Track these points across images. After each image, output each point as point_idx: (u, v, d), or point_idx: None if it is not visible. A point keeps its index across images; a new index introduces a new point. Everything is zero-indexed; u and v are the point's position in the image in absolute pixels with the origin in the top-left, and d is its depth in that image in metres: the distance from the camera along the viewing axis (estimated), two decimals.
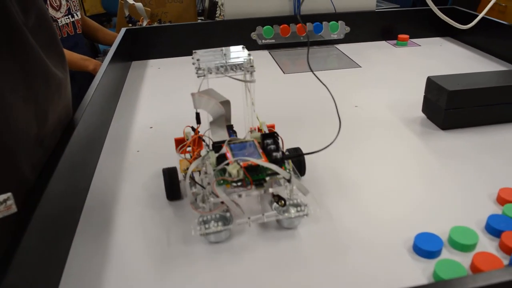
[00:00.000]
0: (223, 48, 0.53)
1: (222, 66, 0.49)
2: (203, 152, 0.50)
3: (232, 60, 0.50)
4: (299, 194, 0.47)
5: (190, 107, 0.48)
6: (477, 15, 0.98)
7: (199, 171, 0.48)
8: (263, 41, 1.12)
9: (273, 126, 0.58)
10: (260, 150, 0.47)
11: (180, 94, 0.85)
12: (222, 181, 0.44)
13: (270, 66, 1.01)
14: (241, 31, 1.11)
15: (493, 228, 0.45)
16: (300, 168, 0.55)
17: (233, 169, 0.44)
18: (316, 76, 0.72)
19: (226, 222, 0.46)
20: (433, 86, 0.67)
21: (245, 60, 0.50)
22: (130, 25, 1.45)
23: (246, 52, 0.52)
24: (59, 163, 0.48)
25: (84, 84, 0.62)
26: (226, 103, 0.49)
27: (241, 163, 0.44)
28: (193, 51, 0.53)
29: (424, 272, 0.41)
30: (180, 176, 0.53)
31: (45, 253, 0.41)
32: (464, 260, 0.42)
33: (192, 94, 0.48)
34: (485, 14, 0.97)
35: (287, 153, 0.54)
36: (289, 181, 0.45)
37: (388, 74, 0.93)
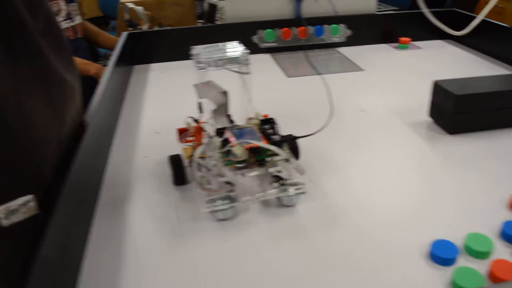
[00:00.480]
0: (220, 43, 0.56)
1: (220, 60, 0.53)
2: (204, 140, 0.53)
3: (229, 54, 0.54)
4: (296, 175, 0.52)
5: (196, 111, 0.52)
6: (475, 18, 0.98)
7: (203, 157, 0.52)
8: (265, 44, 1.12)
9: (266, 116, 0.60)
10: (260, 134, 0.52)
11: (184, 98, 0.84)
12: (228, 162, 0.49)
13: (273, 69, 1.01)
14: (242, 35, 1.10)
15: (508, 235, 0.45)
16: (295, 152, 0.59)
17: (237, 150, 0.49)
18: (317, 71, 0.72)
19: (232, 201, 0.50)
20: (439, 90, 0.67)
21: (241, 53, 0.54)
22: (131, 29, 1.44)
23: (242, 46, 0.56)
24: (73, 164, 0.48)
25: (86, 88, 0.62)
26: (225, 94, 0.53)
27: (244, 145, 0.49)
28: (192, 47, 0.56)
29: (441, 279, 0.41)
30: (184, 162, 0.57)
31: (65, 247, 0.42)
32: (480, 267, 0.42)
33: (195, 85, 0.53)
34: (487, 19, 0.97)
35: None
36: (287, 161, 0.50)
37: (391, 78, 0.93)
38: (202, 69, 0.52)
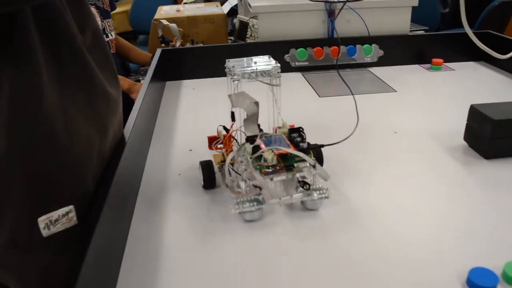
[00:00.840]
0: (253, 57, 0.60)
1: (253, 72, 0.57)
2: (234, 146, 0.58)
3: (261, 67, 0.58)
4: (320, 181, 0.55)
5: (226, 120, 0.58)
6: (508, 40, 0.97)
7: (232, 163, 0.56)
8: (296, 63, 1.12)
9: (293, 126, 0.62)
10: (288, 142, 0.55)
11: (216, 115, 0.85)
12: (258, 166, 0.52)
13: (305, 89, 1.01)
14: (274, 53, 1.11)
15: None
16: (320, 162, 0.61)
17: (268, 156, 0.52)
18: (345, 83, 0.72)
19: (259, 203, 0.53)
20: (476, 114, 0.66)
21: (273, 67, 0.58)
22: (163, 45, 1.47)
23: (273, 60, 0.60)
24: (114, 177, 0.49)
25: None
26: (257, 104, 0.57)
27: (274, 151, 0.52)
28: (227, 60, 0.60)
29: None
30: (215, 168, 0.61)
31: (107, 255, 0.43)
32: None
33: (229, 95, 0.57)
34: None
35: None
36: (314, 166, 0.53)
37: (424, 99, 0.93)
38: (236, 80, 0.56)
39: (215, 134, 0.66)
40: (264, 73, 0.58)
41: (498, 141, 0.65)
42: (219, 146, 0.63)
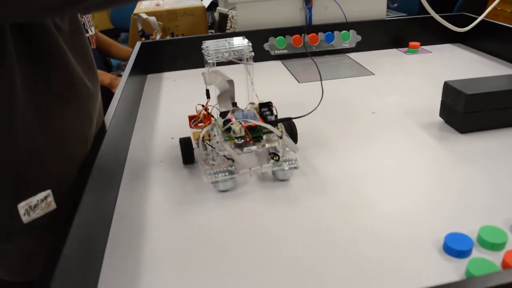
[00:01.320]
0: (227, 38, 0.63)
1: (226, 52, 0.60)
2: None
3: (234, 47, 0.60)
4: (291, 153, 0.58)
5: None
6: (483, 20, 0.99)
7: (209, 140, 0.59)
8: (276, 51, 1.13)
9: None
10: (258, 116, 0.58)
11: (196, 104, 0.87)
12: (228, 138, 0.56)
13: (284, 75, 1.02)
14: (253, 42, 1.11)
15: None
16: (293, 135, 0.64)
17: (236, 127, 0.55)
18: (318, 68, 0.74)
19: (231, 173, 0.56)
20: (450, 90, 0.68)
21: (245, 46, 0.60)
22: (143, 39, 1.47)
23: (246, 41, 0.62)
24: (97, 159, 0.50)
25: (102, 98, 0.65)
26: (230, 82, 0.60)
27: (243, 123, 0.55)
28: (203, 41, 0.63)
29: (456, 271, 0.42)
30: (194, 145, 0.64)
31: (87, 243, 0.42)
32: (495, 259, 0.43)
33: (203, 73, 0.60)
34: (495, 21, 0.98)
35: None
36: (281, 137, 0.56)
37: (401, 81, 0.94)
38: (210, 59, 0.59)
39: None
40: (237, 52, 0.60)
41: (472, 115, 0.66)
42: (198, 124, 0.66)
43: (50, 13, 0.42)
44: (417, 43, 1.15)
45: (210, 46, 0.61)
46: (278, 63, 1.12)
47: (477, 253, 0.44)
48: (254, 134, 0.56)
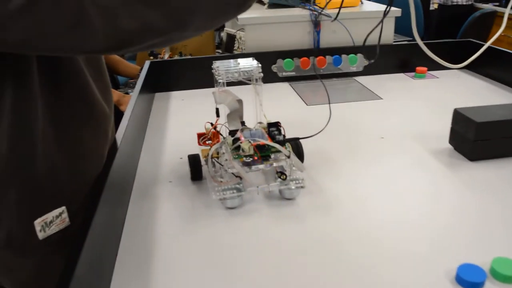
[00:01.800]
0: (238, 59, 0.64)
1: (236, 72, 0.61)
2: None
3: (244, 68, 0.62)
4: (298, 173, 0.60)
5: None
6: (489, 47, 1.00)
7: (217, 157, 0.60)
8: (284, 73, 1.14)
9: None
10: (266, 135, 0.60)
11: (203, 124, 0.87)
12: (237, 156, 0.57)
13: (292, 97, 1.03)
14: (261, 64, 1.12)
15: None
16: (299, 155, 0.65)
17: (245, 145, 0.57)
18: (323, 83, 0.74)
19: (239, 191, 0.57)
20: (460, 117, 0.68)
21: (255, 67, 0.62)
22: (152, 58, 1.48)
23: (255, 62, 0.64)
24: (108, 178, 0.50)
25: None
26: (239, 102, 0.62)
27: (252, 142, 0.57)
28: (213, 61, 0.65)
29: None
30: (202, 162, 0.65)
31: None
32: None
33: (214, 92, 0.61)
34: (500, 48, 0.98)
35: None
36: (288, 157, 0.58)
37: (409, 106, 0.94)
38: (220, 79, 0.61)
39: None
40: (246, 72, 0.62)
41: (482, 143, 0.66)
42: (207, 142, 0.67)
43: (91, 54, 0.44)
44: (425, 68, 1.16)
45: (221, 66, 0.62)
46: (285, 85, 1.12)
47: (490, 285, 0.43)
48: (263, 153, 0.58)
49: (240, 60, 0.64)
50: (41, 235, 0.50)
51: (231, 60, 0.64)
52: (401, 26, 1.33)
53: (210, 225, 0.56)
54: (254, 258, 0.50)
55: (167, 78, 1.12)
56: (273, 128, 0.62)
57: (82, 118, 0.55)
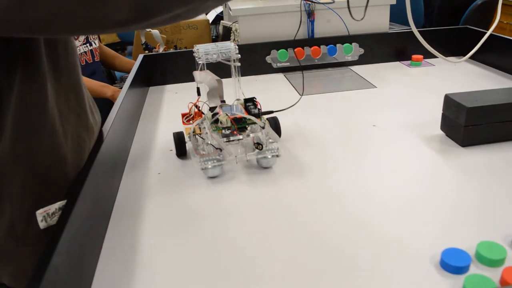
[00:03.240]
0: (217, 43, 0.69)
1: (215, 54, 0.66)
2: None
3: (222, 50, 0.67)
4: (274, 144, 0.65)
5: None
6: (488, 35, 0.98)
7: (200, 134, 0.65)
8: (278, 64, 1.13)
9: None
10: (243, 110, 0.66)
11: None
12: (215, 128, 0.63)
13: (286, 88, 1.02)
14: (255, 55, 1.12)
15: None
16: (277, 130, 0.71)
17: (222, 118, 0.62)
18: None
19: (219, 161, 0.62)
20: (451, 103, 0.67)
21: (232, 48, 0.67)
22: (147, 51, 1.47)
23: (233, 44, 0.69)
24: (85, 181, 0.49)
25: (103, 110, 0.66)
26: (219, 81, 0.66)
27: (229, 115, 0.63)
28: (194, 45, 0.69)
29: (453, 287, 0.41)
30: (186, 139, 0.70)
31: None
32: (493, 275, 0.41)
33: (194, 72, 0.67)
34: (499, 34, 0.97)
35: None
36: (263, 127, 0.63)
37: (404, 94, 0.94)
38: (200, 61, 0.66)
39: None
40: (224, 54, 0.67)
41: (473, 128, 0.65)
42: (190, 121, 0.72)
43: (115, 28, 0.42)
44: (420, 56, 1.15)
45: (201, 49, 0.67)
46: (280, 76, 1.12)
47: (475, 269, 0.43)
48: (239, 125, 0.63)
49: (219, 43, 0.68)
50: (42, 225, 0.51)
51: (212, 44, 0.69)
52: (400, 15, 1.32)
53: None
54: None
55: (161, 72, 1.11)
56: (250, 103, 0.68)
57: (76, 111, 0.56)
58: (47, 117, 0.50)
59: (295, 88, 1.01)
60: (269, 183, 0.61)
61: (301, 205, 0.56)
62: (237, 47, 0.67)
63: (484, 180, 0.58)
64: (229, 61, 0.68)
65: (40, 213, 0.52)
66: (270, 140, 0.64)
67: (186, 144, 0.70)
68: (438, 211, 0.53)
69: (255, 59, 1.12)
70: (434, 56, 1.17)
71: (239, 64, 0.68)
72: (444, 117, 0.70)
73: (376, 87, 0.99)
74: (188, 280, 0.45)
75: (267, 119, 0.70)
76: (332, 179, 0.61)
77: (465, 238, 0.47)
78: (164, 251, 0.49)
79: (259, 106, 0.67)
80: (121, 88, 1.47)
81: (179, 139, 0.70)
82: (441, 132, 0.72)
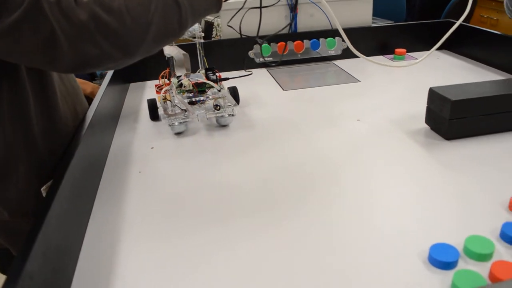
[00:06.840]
0: None
1: None
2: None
3: (189, 29, 0.78)
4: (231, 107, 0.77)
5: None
6: (469, 27, 0.98)
7: (170, 100, 0.78)
8: (261, 59, 1.12)
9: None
10: (204, 77, 0.80)
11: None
12: (180, 91, 0.78)
13: (269, 83, 1.01)
14: (238, 50, 1.10)
15: (508, 236, 0.44)
16: (236, 97, 0.84)
17: (185, 82, 0.77)
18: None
19: (184, 119, 0.75)
20: (435, 96, 0.67)
21: (196, 28, 0.80)
22: None
23: (197, 25, 0.80)
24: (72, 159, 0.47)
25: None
26: (185, 55, 0.75)
27: (190, 80, 0.77)
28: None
29: (442, 283, 0.40)
30: (158, 105, 0.82)
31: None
32: (482, 269, 0.41)
33: (164, 47, 0.79)
34: (479, 27, 0.97)
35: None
36: (219, 90, 0.78)
37: (387, 88, 0.93)
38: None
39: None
40: (189, 32, 0.80)
41: (457, 121, 0.65)
42: (162, 90, 0.82)
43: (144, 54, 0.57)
44: (403, 50, 1.14)
45: None
46: (263, 71, 1.10)
47: (464, 264, 0.42)
48: (200, 88, 0.78)
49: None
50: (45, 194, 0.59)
51: None
52: (382, 10, 1.31)
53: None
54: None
55: (141, 68, 1.09)
56: (210, 72, 0.81)
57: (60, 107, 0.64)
58: (32, 114, 0.59)
59: (278, 83, 1.00)
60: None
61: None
62: (201, 26, 0.77)
63: (470, 174, 0.58)
64: (194, 38, 0.82)
65: (43, 189, 0.60)
66: (228, 104, 0.76)
67: (158, 110, 0.82)
68: (425, 205, 0.52)
69: (238, 54, 1.11)
70: (418, 50, 1.18)
71: (202, 40, 0.84)
72: (429, 110, 0.69)
73: (359, 81, 0.98)
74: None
75: (228, 88, 0.83)
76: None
77: (453, 233, 0.47)
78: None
79: (217, 74, 0.81)
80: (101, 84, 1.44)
81: (152, 104, 0.82)
82: (426, 126, 0.71)
